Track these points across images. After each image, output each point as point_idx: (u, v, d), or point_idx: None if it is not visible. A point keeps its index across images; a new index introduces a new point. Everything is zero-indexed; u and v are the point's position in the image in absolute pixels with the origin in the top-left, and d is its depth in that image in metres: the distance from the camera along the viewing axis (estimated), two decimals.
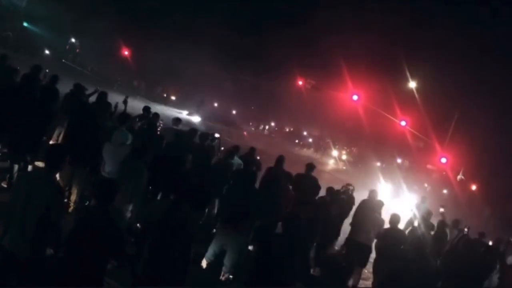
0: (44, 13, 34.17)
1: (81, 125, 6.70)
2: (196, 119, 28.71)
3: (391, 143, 36.23)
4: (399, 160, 43.43)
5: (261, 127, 66.52)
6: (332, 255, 8.20)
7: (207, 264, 6.25)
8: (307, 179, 8.16)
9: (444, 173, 27.44)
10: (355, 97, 20.78)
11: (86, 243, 3.54)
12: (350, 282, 7.64)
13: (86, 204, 6.72)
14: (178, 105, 42.13)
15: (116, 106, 8.74)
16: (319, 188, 7.91)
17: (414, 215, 10.66)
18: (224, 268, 6.19)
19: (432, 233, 8.48)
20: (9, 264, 3.65)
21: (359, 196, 8.84)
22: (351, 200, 8.65)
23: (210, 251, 6.25)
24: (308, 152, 46.43)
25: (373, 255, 7.77)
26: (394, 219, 7.59)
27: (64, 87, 9.00)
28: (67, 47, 43.07)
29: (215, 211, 8.09)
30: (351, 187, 9.01)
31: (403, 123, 20.87)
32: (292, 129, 65.38)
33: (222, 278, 6.18)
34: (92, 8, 38.88)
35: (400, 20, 48.64)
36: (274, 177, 7.93)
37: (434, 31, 52.85)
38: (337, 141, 51.66)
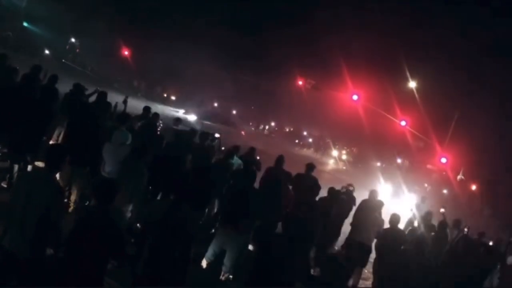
0: (44, 13, 34.16)
1: (81, 125, 6.70)
2: (192, 117, 28.73)
3: (391, 143, 36.23)
4: (399, 160, 43.45)
5: (261, 127, 66.53)
6: (332, 255, 8.19)
7: (207, 264, 6.25)
8: (307, 179, 8.16)
9: (444, 173, 27.43)
10: (355, 97, 20.78)
11: (86, 243, 3.54)
12: (350, 282, 7.64)
13: (86, 204, 6.72)
14: (174, 104, 42.02)
15: (116, 106, 8.74)
16: (319, 188, 7.91)
17: (414, 215, 10.67)
18: (224, 268, 6.19)
19: (433, 233, 8.48)
20: (9, 264, 3.64)
21: (359, 196, 8.84)
22: (351, 200, 8.65)
23: (210, 251, 6.25)
24: (308, 152, 46.45)
25: (373, 255, 7.77)
26: (394, 219, 7.59)
27: (64, 87, 9.00)
28: (67, 47, 43.07)
29: (215, 211, 8.10)
30: (351, 188, 9.02)
31: (403, 123, 20.87)
32: (292, 129, 65.43)
33: (222, 278, 6.18)
34: (92, 8, 38.89)
35: (400, 20, 48.67)
36: (274, 177, 7.93)
37: (434, 31, 52.91)
38: (337, 141, 51.69)
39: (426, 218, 8.87)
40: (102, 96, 8.47)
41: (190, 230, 4.28)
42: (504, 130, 31.42)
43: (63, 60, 36.23)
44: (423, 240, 7.73)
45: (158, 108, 23.28)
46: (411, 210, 11.13)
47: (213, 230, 7.26)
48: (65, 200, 6.13)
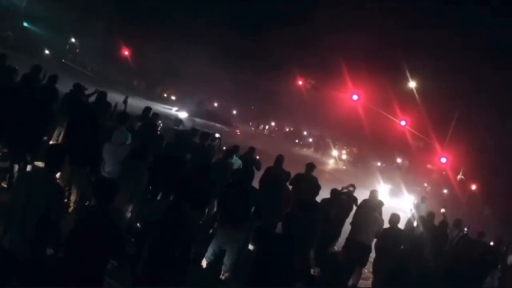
0: (44, 13, 34.20)
1: (81, 125, 6.70)
2: (182, 114, 28.82)
3: (391, 143, 36.24)
4: (399, 160, 43.46)
5: (261, 127, 66.53)
6: (332, 255, 8.19)
7: (207, 264, 6.25)
8: (307, 179, 8.16)
9: (444, 173, 27.43)
10: (355, 97, 20.78)
11: (86, 243, 3.54)
12: (350, 282, 7.64)
13: (86, 204, 6.72)
14: (168, 102, 41.80)
15: (116, 106, 8.75)
16: (319, 188, 7.91)
17: (413, 215, 10.67)
18: (223, 267, 6.20)
19: (433, 233, 8.47)
20: (9, 264, 3.64)
21: (359, 196, 8.84)
22: (352, 200, 8.63)
23: (210, 251, 6.25)
24: (308, 152, 46.47)
25: (373, 255, 7.77)
26: (394, 219, 7.60)
27: (64, 87, 9.00)
28: (67, 47, 43.10)
29: (215, 210, 8.09)
30: (351, 188, 8.99)
31: (403, 123, 20.87)
32: (292, 129, 65.42)
33: (222, 277, 6.19)
34: (92, 8, 38.89)
35: (400, 20, 48.69)
36: (273, 176, 7.94)
37: (434, 31, 52.87)
38: (337, 141, 51.70)
39: (427, 218, 8.87)
40: (102, 96, 8.47)
41: (190, 230, 4.28)
42: (504, 130, 31.42)
43: (63, 60, 36.23)
44: (422, 240, 7.74)
45: (151, 106, 23.35)
46: (411, 210, 11.14)
47: (211, 231, 7.25)
48: (65, 200, 6.13)
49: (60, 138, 8.53)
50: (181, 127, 9.82)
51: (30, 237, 3.59)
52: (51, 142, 8.21)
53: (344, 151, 51.63)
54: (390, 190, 24.91)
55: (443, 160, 20.64)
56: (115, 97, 10.24)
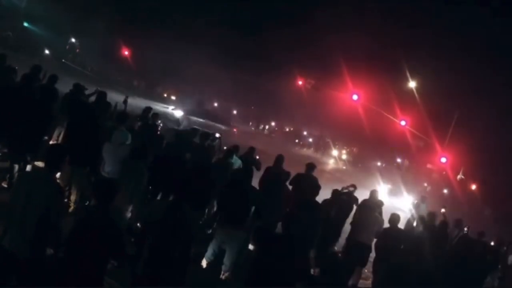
0: (44, 13, 34.17)
1: (81, 125, 6.70)
2: (178, 113, 28.90)
3: (391, 143, 36.20)
4: (399, 160, 43.45)
5: (261, 126, 66.51)
6: (332, 255, 8.18)
7: (207, 264, 6.25)
8: (307, 179, 8.15)
9: (444, 172, 27.43)
10: (355, 97, 20.79)
11: (86, 243, 3.54)
12: (350, 282, 7.64)
13: (86, 204, 6.72)
14: (165, 101, 41.69)
15: (116, 106, 8.74)
16: (319, 188, 7.90)
17: (412, 215, 10.68)
18: (223, 267, 6.20)
19: (433, 233, 8.47)
20: (9, 264, 3.64)
21: (359, 196, 8.84)
22: (352, 200, 8.63)
23: (210, 251, 6.25)
24: (308, 152, 46.44)
25: (373, 254, 7.77)
26: (394, 219, 7.60)
27: (64, 87, 9.00)
28: (67, 47, 43.08)
29: (214, 210, 8.09)
30: (351, 188, 8.99)
31: (403, 122, 20.89)
32: (292, 128, 65.35)
33: (222, 277, 6.19)
34: (92, 8, 38.88)
35: (400, 20, 48.68)
36: (273, 176, 7.93)
37: (434, 31, 52.88)
38: (337, 140, 51.67)
39: (428, 218, 8.87)
40: (102, 96, 8.47)
41: (190, 230, 4.28)
42: (504, 130, 31.42)
43: (63, 60, 36.20)
44: (422, 239, 7.73)
45: (148, 104, 23.43)
46: (410, 210, 11.14)
47: (209, 231, 7.25)
48: (65, 200, 6.13)
49: (60, 138, 8.53)
50: (181, 127, 9.80)
51: (30, 237, 3.59)
52: (51, 142, 8.21)
53: (344, 151, 51.60)
54: (389, 190, 24.93)
55: (443, 160, 20.65)
56: (115, 97, 10.24)
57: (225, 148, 10.01)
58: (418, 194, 20.54)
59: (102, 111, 7.53)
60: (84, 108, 7.67)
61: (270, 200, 7.33)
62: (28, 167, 6.64)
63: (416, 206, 11.59)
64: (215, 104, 52.82)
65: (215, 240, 6.29)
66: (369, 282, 8.26)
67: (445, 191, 29.65)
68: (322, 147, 52.40)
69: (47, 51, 35.43)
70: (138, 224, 5.67)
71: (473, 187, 32.29)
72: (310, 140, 60.75)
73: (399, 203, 19.76)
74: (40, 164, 5.83)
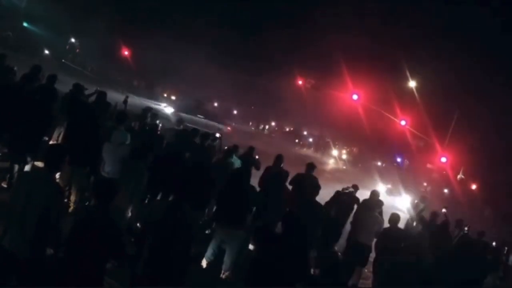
0: (44, 13, 34.16)
1: (81, 125, 6.70)
2: (169, 110, 28.98)
3: (391, 143, 36.20)
4: (399, 160, 43.42)
5: (261, 126, 66.48)
6: (332, 255, 8.19)
7: (207, 264, 6.25)
8: (308, 178, 8.15)
9: (444, 172, 27.44)
10: (355, 97, 20.80)
11: (86, 243, 3.54)
12: (350, 282, 7.64)
13: (86, 204, 6.72)
14: (158, 99, 41.58)
15: (116, 106, 8.74)
16: (319, 187, 7.91)
17: (411, 216, 10.67)
18: (224, 266, 6.21)
19: (432, 233, 8.47)
20: (9, 264, 3.64)
21: (359, 196, 8.84)
22: (353, 201, 8.63)
23: (210, 251, 6.25)
24: (308, 152, 46.41)
25: (373, 254, 7.77)
26: (394, 219, 7.60)
27: (64, 87, 9.00)
28: (67, 47, 43.07)
29: (214, 210, 8.09)
30: (351, 189, 8.98)
31: (403, 122, 20.89)
32: (292, 128, 65.32)
33: (223, 276, 6.19)
34: (92, 8, 38.88)
35: (400, 20, 48.67)
36: (273, 176, 7.93)
37: (434, 31, 52.90)
38: (337, 140, 51.63)
39: (431, 218, 8.87)
40: (102, 96, 8.47)
41: (190, 230, 4.28)
42: (504, 129, 31.41)
43: (63, 60, 36.20)
44: (422, 239, 7.74)
45: (141, 101, 23.64)
46: (410, 209, 11.13)
47: (207, 231, 7.25)
48: (65, 200, 6.13)
49: (60, 138, 8.52)
50: (181, 127, 9.79)
51: (30, 237, 3.59)
52: (51, 142, 8.21)
53: (344, 151, 51.55)
54: (387, 189, 24.93)
55: (443, 159, 20.67)
56: (115, 97, 10.23)
57: (226, 148, 10.01)
58: (418, 193, 20.54)
59: (102, 111, 7.53)
60: (84, 108, 7.67)
61: (270, 200, 7.34)
62: (28, 167, 6.64)
63: (416, 206, 11.56)
64: (215, 104, 52.80)
65: (215, 240, 6.29)
66: (369, 282, 8.25)
67: (445, 190, 29.67)
68: (322, 147, 52.36)
69: (47, 51, 35.43)
70: (138, 224, 5.67)
71: (473, 186, 32.30)
72: (310, 140, 60.71)
73: (397, 202, 19.77)
74: (40, 164, 5.83)
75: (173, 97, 47.25)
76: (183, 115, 26.35)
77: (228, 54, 48.21)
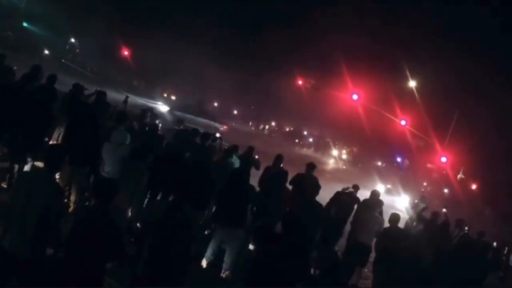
0: (44, 13, 34.17)
1: (80, 125, 6.70)
2: (164, 108, 29.05)
3: (391, 143, 36.19)
4: (399, 159, 43.40)
5: (261, 126, 66.47)
6: (332, 255, 8.19)
7: (207, 264, 6.25)
8: (308, 178, 8.16)
9: (444, 172, 27.43)
10: (355, 97, 20.81)
11: (86, 243, 3.54)
12: (350, 282, 7.64)
13: (86, 204, 6.72)
14: (154, 97, 41.64)
15: (115, 106, 8.74)
16: (319, 187, 7.91)
17: (410, 216, 10.67)
18: (224, 265, 6.21)
19: (432, 232, 8.46)
20: (9, 264, 3.64)
21: (359, 196, 8.83)
22: (353, 201, 8.62)
23: (210, 251, 6.25)
24: (308, 152, 46.42)
25: (373, 254, 7.77)
26: (394, 219, 7.59)
27: (64, 87, 9.00)
28: (67, 47, 43.06)
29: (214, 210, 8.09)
30: (352, 189, 8.97)
31: (403, 122, 20.90)
32: (292, 128, 65.31)
33: (223, 275, 6.19)
34: (92, 8, 38.87)
35: (400, 20, 48.66)
36: (273, 176, 7.93)
37: (434, 31, 52.89)
38: (337, 140, 51.62)
39: (432, 218, 8.86)
40: (102, 96, 8.47)
41: (190, 230, 4.28)
42: (505, 129, 31.41)
43: (63, 60, 36.18)
44: (422, 239, 7.73)
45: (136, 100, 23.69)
46: (406, 209, 11.14)
47: (206, 232, 7.24)
48: (65, 200, 6.13)
49: (60, 138, 8.52)
50: (181, 127, 9.79)
51: (30, 237, 3.59)
52: (50, 142, 8.21)
53: (344, 151, 51.53)
54: (387, 189, 24.94)
55: (443, 159, 20.68)
56: (114, 97, 10.22)
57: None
58: (418, 193, 20.55)
59: (102, 111, 7.53)
60: (84, 108, 7.67)
61: (270, 200, 7.34)
62: (28, 167, 6.64)
63: (416, 206, 11.58)
64: (215, 104, 52.78)
65: (214, 240, 6.29)
66: (369, 282, 8.25)
67: (445, 190, 29.65)
68: (322, 147, 52.36)
69: (47, 51, 35.42)
70: (138, 224, 5.67)
71: (474, 186, 32.29)
72: (310, 140, 60.68)
73: (395, 202, 19.80)
74: (40, 164, 5.83)
75: (173, 97, 47.26)
76: (178, 113, 26.41)
77: (228, 54, 48.20)
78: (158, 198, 6.91)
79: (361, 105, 22.46)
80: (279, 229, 5.08)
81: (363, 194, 8.75)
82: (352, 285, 7.64)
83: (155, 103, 31.54)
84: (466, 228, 9.49)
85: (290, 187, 8.22)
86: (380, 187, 23.09)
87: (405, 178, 30.23)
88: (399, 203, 19.42)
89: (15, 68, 8.38)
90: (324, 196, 8.04)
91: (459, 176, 29.34)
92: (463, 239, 8.69)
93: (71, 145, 6.14)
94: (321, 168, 21.36)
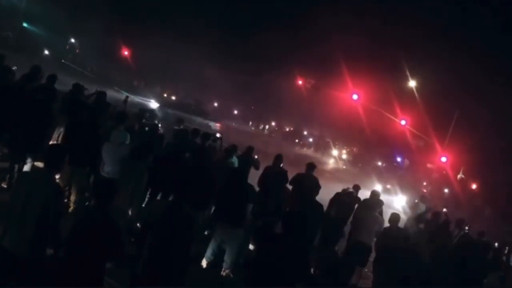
0: (44, 13, 34.19)
1: (80, 125, 6.70)
2: (154, 105, 29.13)
3: (391, 143, 36.20)
4: (399, 159, 43.42)
5: (261, 126, 66.49)
6: (332, 255, 8.19)
7: (207, 264, 6.25)
8: (308, 178, 8.16)
9: (444, 172, 27.44)
10: (355, 97, 20.82)
11: (86, 243, 3.54)
12: (350, 282, 7.63)
13: (86, 204, 6.72)
14: (147, 94, 41.64)
15: (115, 106, 8.74)
16: (319, 187, 7.91)
17: (408, 217, 10.67)
18: (224, 265, 6.21)
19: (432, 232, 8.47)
20: (9, 264, 3.64)
21: (360, 196, 8.84)
22: (354, 201, 8.62)
23: (210, 251, 6.25)
24: (308, 152, 46.41)
25: (373, 254, 7.77)
26: (394, 218, 7.59)
27: (64, 87, 9.00)
28: (67, 47, 43.10)
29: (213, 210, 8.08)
30: (352, 189, 8.97)
31: (403, 122, 20.91)
32: (292, 128, 65.32)
33: (223, 273, 6.20)
34: (92, 8, 38.89)
35: (400, 20, 48.68)
36: (272, 176, 7.93)
37: (434, 31, 52.89)
38: (337, 140, 51.63)
39: (432, 218, 8.86)
40: (102, 96, 8.46)
41: (190, 230, 4.28)
42: (505, 129, 31.40)
43: (63, 60, 36.18)
44: (422, 238, 7.73)
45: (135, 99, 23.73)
46: (403, 208, 11.15)
47: (206, 232, 7.24)
48: (65, 200, 6.13)
49: (60, 138, 8.52)
50: (181, 127, 9.79)
51: (30, 237, 3.59)
52: (50, 142, 8.21)
53: (344, 151, 51.55)
54: (384, 189, 24.96)
55: (443, 159, 20.69)
56: (114, 96, 10.22)
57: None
58: (418, 193, 20.56)
59: (101, 111, 7.53)
60: (84, 108, 7.67)
61: (270, 199, 7.34)
62: (28, 167, 6.64)
63: (416, 206, 11.56)
64: (215, 104, 52.77)
65: (214, 240, 6.29)
66: (369, 282, 8.25)
67: (445, 190, 29.66)
68: (322, 147, 52.37)
69: (47, 51, 35.45)
70: (138, 224, 5.67)
71: (474, 186, 32.30)
72: (310, 140, 60.68)
73: (393, 202, 19.82)
74: (40, 164, 5.83)
75: (173, 97, 47.25)
76: (170, 111, 26.39)
77: (228, 54, 48.25)
78: (158, 198, 6.91)
79: (361, 105, 22.49)
80: (279, 229, 5.08)
81: (363, 194, 8.75)
82: (352, 285, 7.63)
83: (148, 101, 31.56)
84: (466, 228, 9.49)
85: (290, 187, 8.22)
86: (378, 187, 23.12)
87: (405, 178, 30.24)
88: (396, 203, 19.44)
89: (15, 68, 8.38)
90: (324, 196, 8.03)
91: (459, 176, 29.35)
92: (463, 239, 8.69)
93: (71, 145, 6.13)
94: (321, 168, 21.35)
